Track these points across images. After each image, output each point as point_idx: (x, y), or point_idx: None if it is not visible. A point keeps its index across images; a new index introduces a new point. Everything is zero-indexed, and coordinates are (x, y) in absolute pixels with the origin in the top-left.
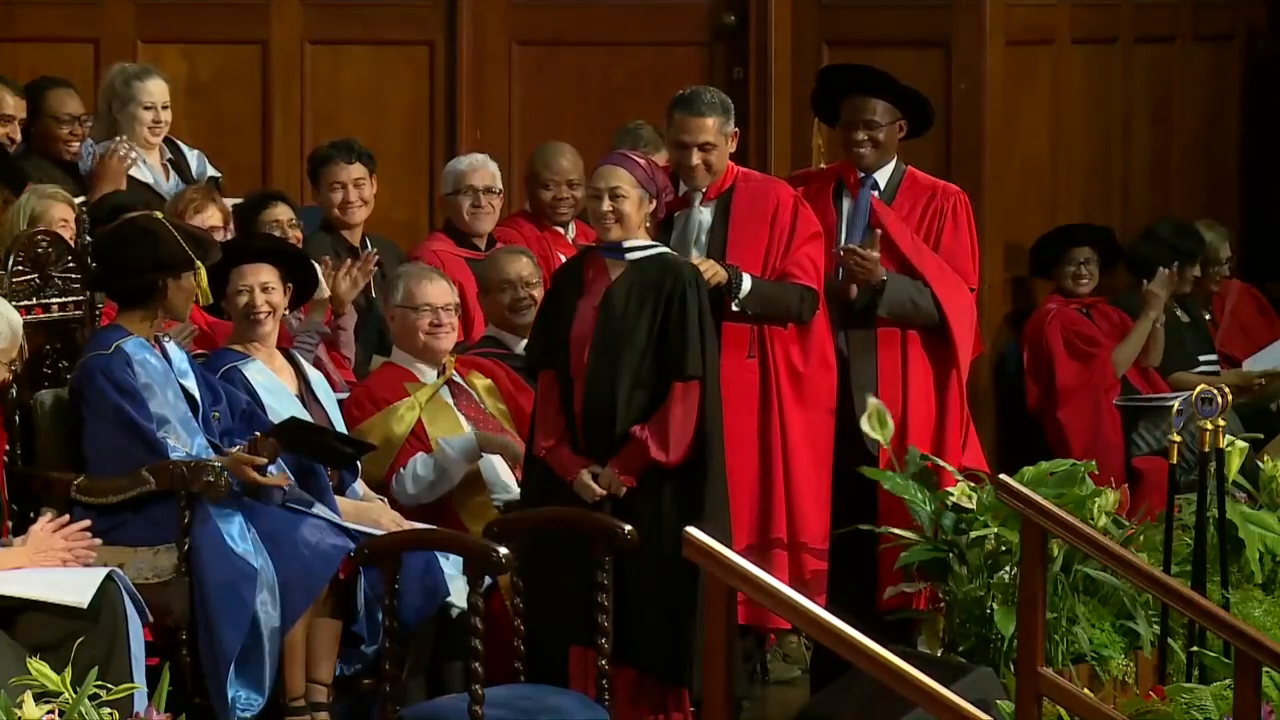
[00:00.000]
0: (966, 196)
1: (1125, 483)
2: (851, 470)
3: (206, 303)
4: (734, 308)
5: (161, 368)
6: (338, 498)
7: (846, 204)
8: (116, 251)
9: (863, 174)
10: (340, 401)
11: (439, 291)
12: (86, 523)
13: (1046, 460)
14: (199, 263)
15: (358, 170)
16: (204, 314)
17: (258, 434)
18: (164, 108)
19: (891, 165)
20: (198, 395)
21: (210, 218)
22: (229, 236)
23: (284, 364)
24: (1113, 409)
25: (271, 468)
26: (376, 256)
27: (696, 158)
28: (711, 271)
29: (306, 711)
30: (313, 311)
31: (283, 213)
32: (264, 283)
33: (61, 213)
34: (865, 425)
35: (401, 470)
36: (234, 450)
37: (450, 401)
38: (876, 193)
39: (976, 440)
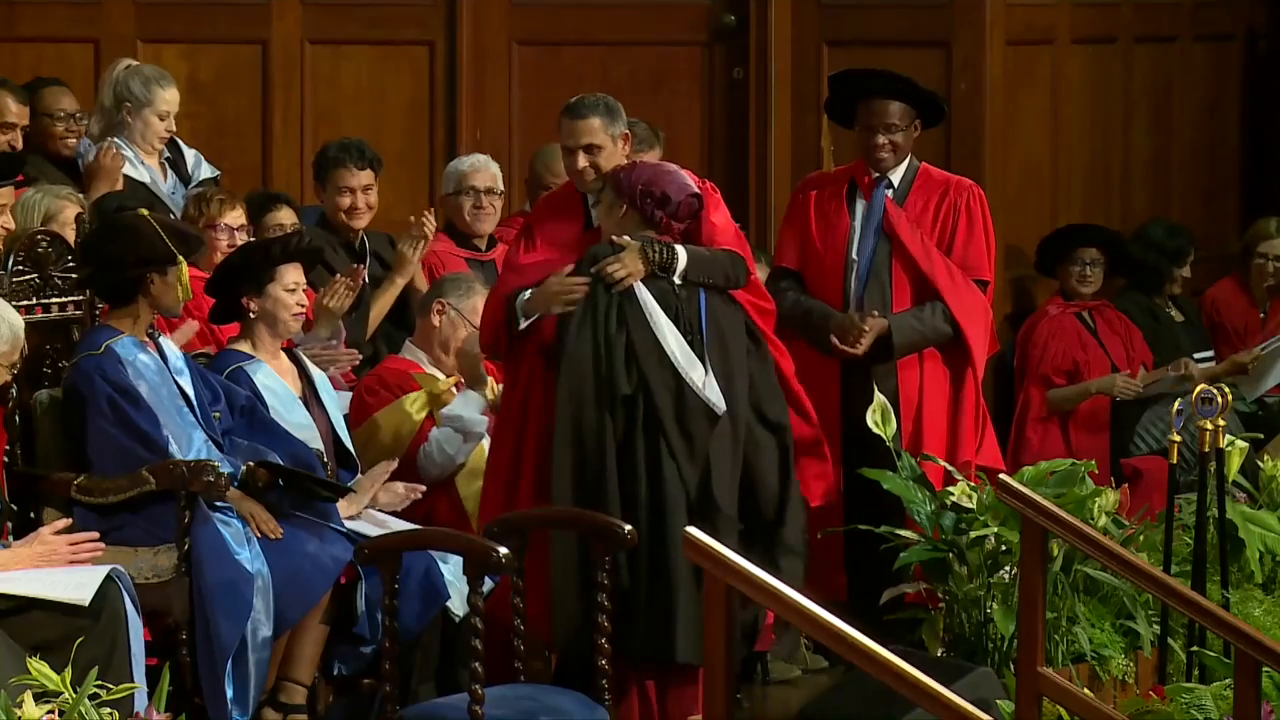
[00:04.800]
0: (981, 190)
1: (1110, 484)
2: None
3: (187, 298)
4: (677, 282)
5: (156, 365)
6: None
7: (860, 206)
8: (100, 249)
9: (877, 174)
10: (343, 399)
11: None
12: (95, 535)
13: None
14: (181, 258)
15: (366, 177)
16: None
17: (249, 464)
18: (174, 116)
19: (905, 163)
20: (193, 393)
21: (239, 216)
22: (248, 237)
23: (289, 365)
24: (1083, 424)
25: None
26: (365, 270)
27: (583, 160)
28: (622, 267)
29: (281, 711)
30: (318, 325)
31: (286, 216)
32: (300, 282)
33: (73, 213)
34: (869, 420)
35: (425, 447)
36: (240, 498)
37: (456, 393)
38: (890, 192)
39: (994, 440)
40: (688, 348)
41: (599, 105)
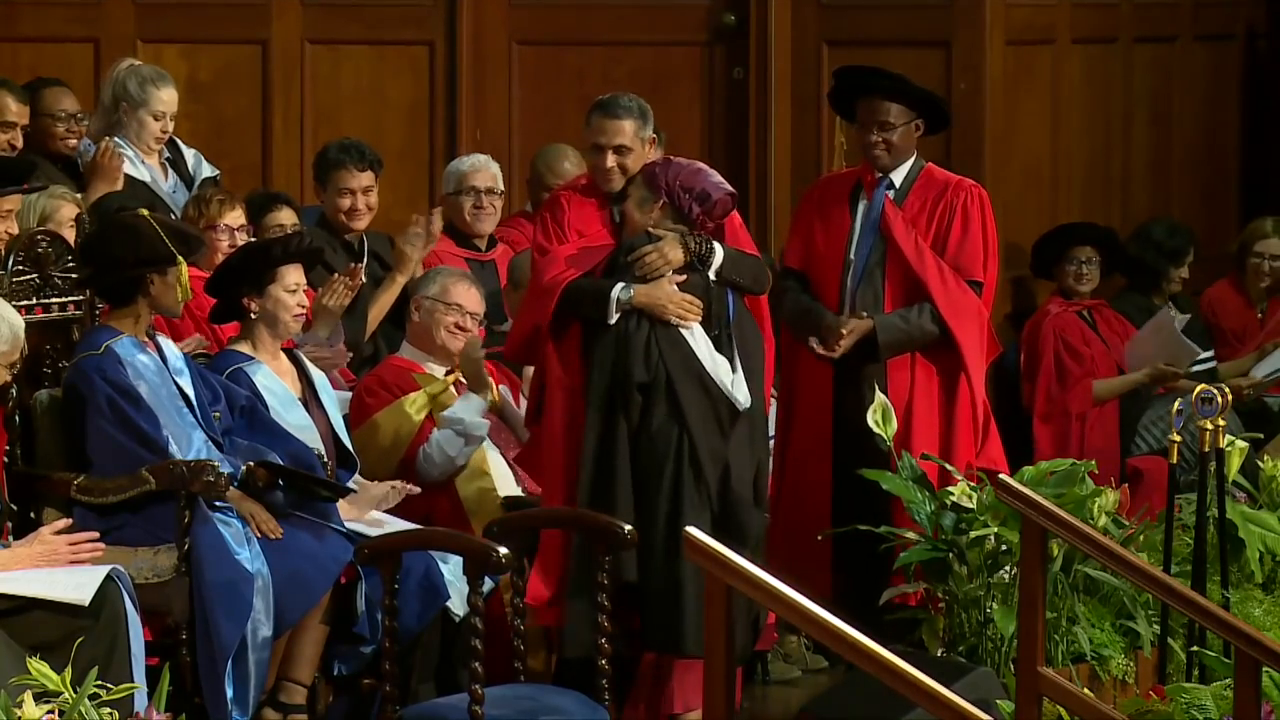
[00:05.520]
0: (982, 190)
1: (1121, 485)
2: (855, 471)
3: (186, 298)
4: (712, 278)
5: (155, 366)
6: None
7: (862, 205)
8: (100, 249)
9: (880, 174)
10: (342, 399)
11: (473, 298)
12: (95, 534)
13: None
14: (180, 258)
15: (367, 178)
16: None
17: (249, 464)
18: (171, 117)
19: (909, 164)
20: (192, 393)
21: (238, 217)
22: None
23: (288, 366)
24: (1096, 422)
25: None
26: (364, 270)
27: (611, 160)
28: (659, 256)
29: (281, 710)
30: (318, 324)
31: (286, 216)
32: (300, 283)
33: (70, 212)
34: (870, 420)
35: (425, 448)
36: (240, 498)
37: (456, 395)
38: (891, 193)
39: (997, 442)
40: (711, 342)
41: (633, 108)
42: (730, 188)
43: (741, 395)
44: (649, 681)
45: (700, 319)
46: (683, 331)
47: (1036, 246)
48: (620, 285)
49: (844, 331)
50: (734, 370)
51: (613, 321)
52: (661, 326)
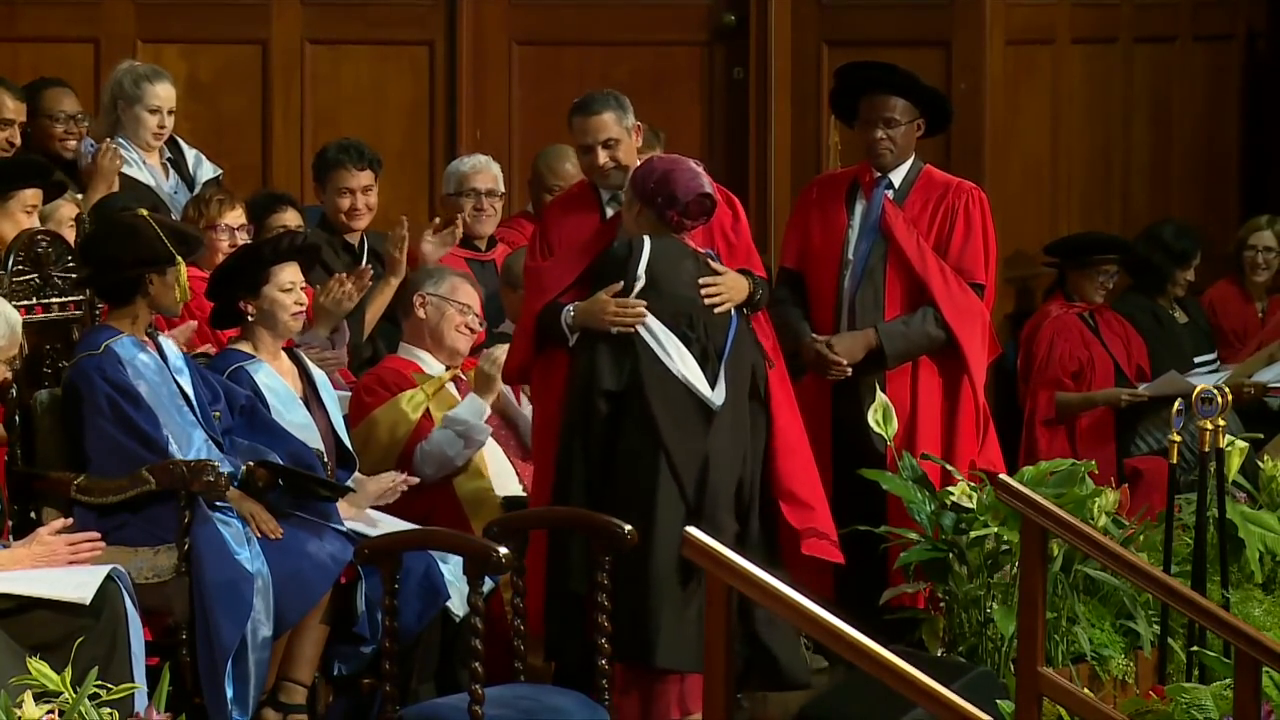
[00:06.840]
0: (982, 193)
1: (1111, 484)
2: (855, 471)
3: (185, 299)
4: (746, 313)
5: (155, 365)
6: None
7: (860, 205)
8: (99, 249)
9: (879, 174)
10: (342, 399)
11: (477, 300)
12: (96, 535)
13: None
14: (179, 258)
15: (366, 177)
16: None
17: (249, 464)
18: (169, 113)
19: (908, 164)
20: (192, 392)
21: (238, 217)
22: (248, 237)
23: (289, 365)
24: (1090, 424)
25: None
26: (371, 271)
27: (603, 156)
28: (723, 294)
29: (281, 710)
30: (318, 324)
31: (290, 217)
32: (296, 281)
33: (70, 212)
34: (871, 420)
35: (424, 445)
36: (240, 498)
37: (455, 392)
38: (890, 193)
39: (995, 442)
40: (682, 346)
41: (609, 100)
42: (706, 189)
43: (717, 398)
44: (642, 687)
45: (642, 320)
46: (644, 334)
47: (1064, 244)
48: (566, 309)
49: (833, 357)
50: (718, 381)
51: (572, 344)
52: (634, 334)
